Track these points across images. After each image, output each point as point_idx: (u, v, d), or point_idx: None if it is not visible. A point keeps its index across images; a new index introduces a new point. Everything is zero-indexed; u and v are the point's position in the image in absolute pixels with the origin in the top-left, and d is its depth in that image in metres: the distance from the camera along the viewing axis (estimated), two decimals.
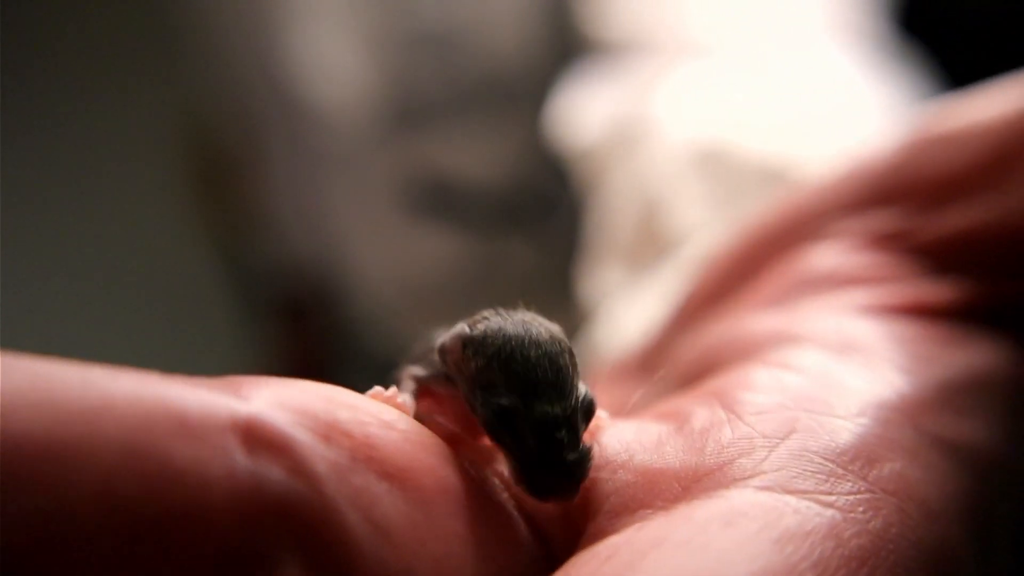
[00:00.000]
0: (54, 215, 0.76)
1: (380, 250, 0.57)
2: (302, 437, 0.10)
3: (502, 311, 0.13)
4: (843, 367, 0.14)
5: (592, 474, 0.12)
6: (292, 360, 0.65)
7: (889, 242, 0.16)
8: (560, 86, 0.38)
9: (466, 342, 0.13)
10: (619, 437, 0.13)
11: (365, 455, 0.10)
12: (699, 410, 0.13)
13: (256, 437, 0.10)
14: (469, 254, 0.53)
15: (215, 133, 0.65)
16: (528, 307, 0.14)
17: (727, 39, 0.31)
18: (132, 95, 0.74)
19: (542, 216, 0.49)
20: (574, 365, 0.13)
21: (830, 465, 0.12)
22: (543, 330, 0.13)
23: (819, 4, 0.31)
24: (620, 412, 0.16)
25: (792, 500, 0.11)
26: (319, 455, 0.10)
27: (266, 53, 0.57)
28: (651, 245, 0.26)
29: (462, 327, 0.13)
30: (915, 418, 0.13)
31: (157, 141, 0.72)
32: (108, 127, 0.76)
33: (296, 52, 0.55)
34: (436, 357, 0.13)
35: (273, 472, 0.10)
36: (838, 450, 0.12)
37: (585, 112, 0.32)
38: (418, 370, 0.14)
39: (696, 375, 0.15)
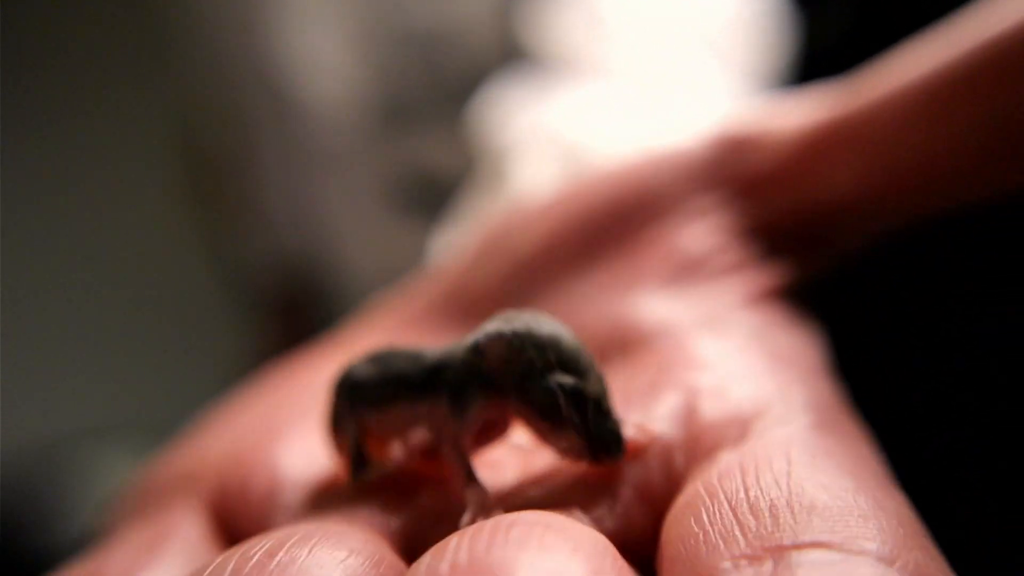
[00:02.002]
0: (45, 213, 0.76)
1: (369, 247, 0.58)
2: None
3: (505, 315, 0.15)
4: (770, 347, 0.17)
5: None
6: (282, 356, 0.65)
7: (729, 227, 0.19)
8: (489, 88, 0.39)
9: (513, 338, 0.14)
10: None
11: None
12: (687, 375, 0.16)
13: None
14: None
15: (204, 130, 0.67)
16: None
17: (634, 68, 0.33)
18: (121, 92, 0.74)
19: None
20: None
21: (828, 413, 0.15)
22: (553, 322, 0.15)
23: (723, 62, 0.34)
24: None
25: (832, 436, 0.14)
26: None
27: (255, 50, 0.58)
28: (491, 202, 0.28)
29: (495, 327, 0.14)
30: (829, 376, 0.17)
31: (146, 138, 0.72)
32: (97, 124, 0.76)
33: (284, 49, 0.56)
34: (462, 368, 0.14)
35: None
36: (823, 403, 0.15)
37: (494, 118, 0.34)
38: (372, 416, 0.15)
39: (612, 348, 0.18)
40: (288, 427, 0.18)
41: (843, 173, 0.18)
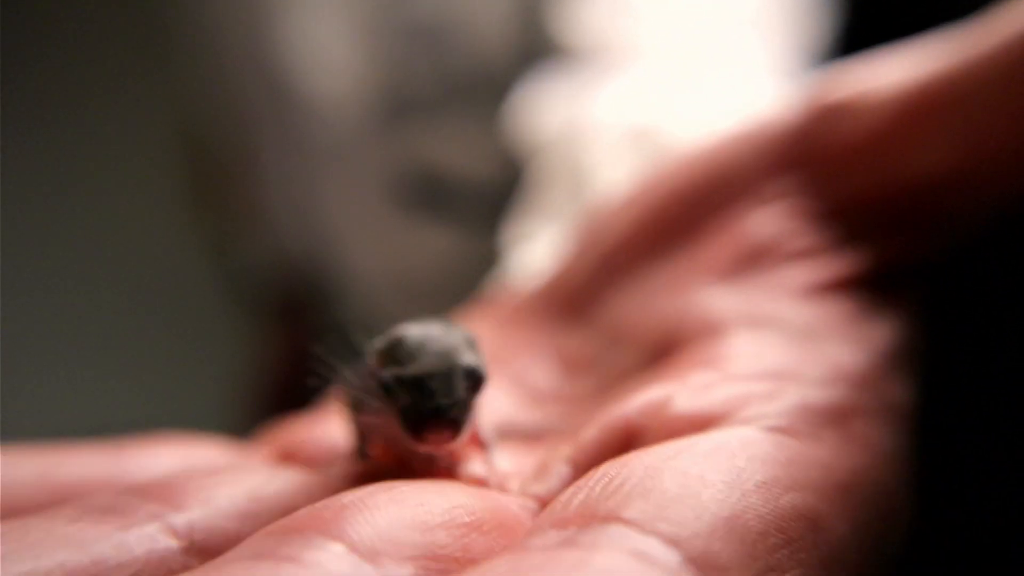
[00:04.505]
0: (47, 213, 0.76)
1: (373, 245, 0.57)
2: None
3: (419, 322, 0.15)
4: (807, 344, 0.16)
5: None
6: (285, 356, 0.65)
7: (804, 210, 0.18)
8: (523, 86, 0.39)
9: (376, 352, 0.15)
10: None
11: (471, 565, 0.11)
12: (695, 373, 0.15)
13: None
14: (462, 249, 0.53)
15: (207, 129, 0.66)
16: None
17: (673, 49, 0.32)
18: (124, 91, 0.74)
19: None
20: (466, 342, 0.15)
21: (817, 418, 0.14)
22: (436, 324, 0.15)
23: (761, 36, 0.33)
24: (543, 350, 0.19)
25: (793, 440, 0.13)
26: None
27: (258, 45, 0.58)
28: (574, 200, 0.27)
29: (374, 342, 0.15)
30: (869, 385, 0.15)
31: (149, 137, 0.72)
32: (99, 123, 0.76)
33: (289, 44, 0.56)
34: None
35: None
36: (821, 409, 0.14)
37: (541, 113, 0.34)
38: (363, 416, 0.16)
39: (664, 347, 0.17)
40: None
41: (938, 142, 0.16)
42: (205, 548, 0.12)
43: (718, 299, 0.17)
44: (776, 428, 0.13)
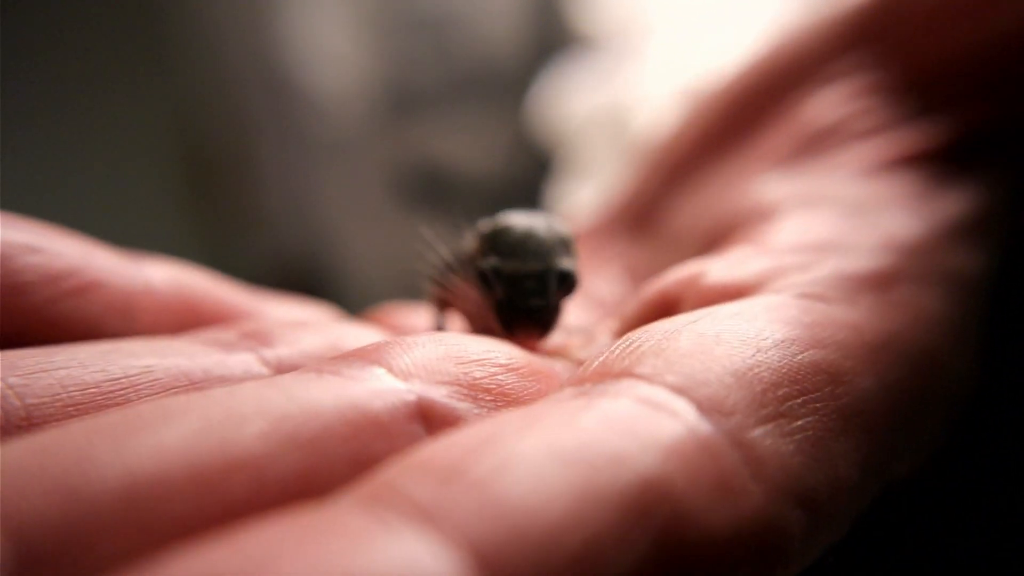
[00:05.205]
0: (46, 214, 0.76)
1: (374, 241, 0.57)
2: (461, 406, 0.11)
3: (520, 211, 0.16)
4: (861, 218, 0.15)
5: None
6: None
7: (875, 85, 0.17)
8: (544, 77, 0.39)
9: (477, 235, 0.15)
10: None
11: (503, 403, 0.12)
12: (735, 249, 0.15)
13: (430, 417, 0.11)
14: None
15: (209, 125, 0.66)
16: None
17: (685, 18, 0.33)
18: (124, 91, 0.73)
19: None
20: (563, 244, 0.15)
21: (855, 284, 0.14)
22: (540, 219, 0.16)
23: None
24: (611, 265, 0.20)
25: (823, 304, 0.13)
26: (475, 416, 0.12)
27: (260, 41, 0.57)
28: (620, 159, 0.27)
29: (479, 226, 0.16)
30: (923, 254, 0.15)
31: (149, 133, 0.72)
32: (100, 122, 0.75)
33: (291, 39, 0.55)
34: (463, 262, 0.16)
35: None
36: (862, 275, 0.14)
37: (568, 100, 0.34)
38: (450, 292, 0.16)
39: (716, 238, 0.17)
40: None
41: None
42: None
43: (774, 185, 0.17)
44: (807, 295, 0.13)
